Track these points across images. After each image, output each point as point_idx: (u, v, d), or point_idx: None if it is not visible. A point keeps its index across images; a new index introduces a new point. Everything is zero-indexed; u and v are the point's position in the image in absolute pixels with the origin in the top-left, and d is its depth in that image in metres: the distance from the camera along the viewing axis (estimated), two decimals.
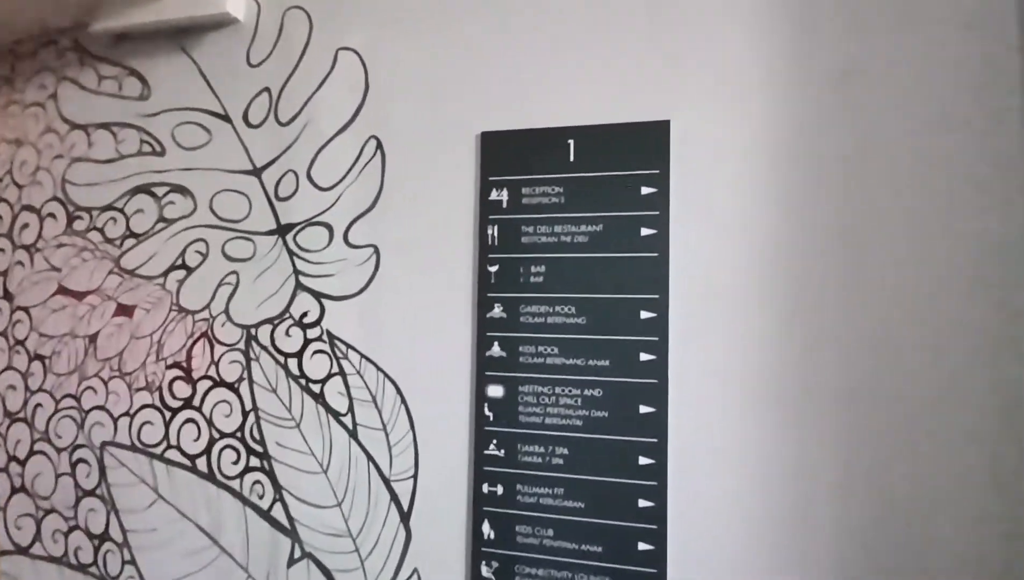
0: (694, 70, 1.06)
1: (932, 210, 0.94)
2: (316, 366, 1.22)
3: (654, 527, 1.02)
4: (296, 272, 1.26)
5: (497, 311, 1.14)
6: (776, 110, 1.02)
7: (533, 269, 1.13)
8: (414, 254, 1.20)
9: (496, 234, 1.15)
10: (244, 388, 1.24)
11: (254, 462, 1.24)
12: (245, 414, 1.23)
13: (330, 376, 1.23)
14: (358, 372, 1.21)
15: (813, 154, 0.99)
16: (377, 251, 1.22)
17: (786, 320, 0.99)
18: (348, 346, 1.22)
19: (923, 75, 0.95)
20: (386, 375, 1.19)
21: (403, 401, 1.18)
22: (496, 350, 1.14)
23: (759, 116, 1.03)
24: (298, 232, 1.23)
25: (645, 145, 1.08)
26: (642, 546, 1.03)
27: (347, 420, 1.21)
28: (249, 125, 1.26)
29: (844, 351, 0.96)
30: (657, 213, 1.07)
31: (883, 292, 0.95)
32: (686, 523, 1.01)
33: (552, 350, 1.11)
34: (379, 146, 1.20)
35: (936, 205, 0.93)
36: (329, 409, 1.22)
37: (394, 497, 1.17)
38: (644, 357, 1.06)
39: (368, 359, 1.21)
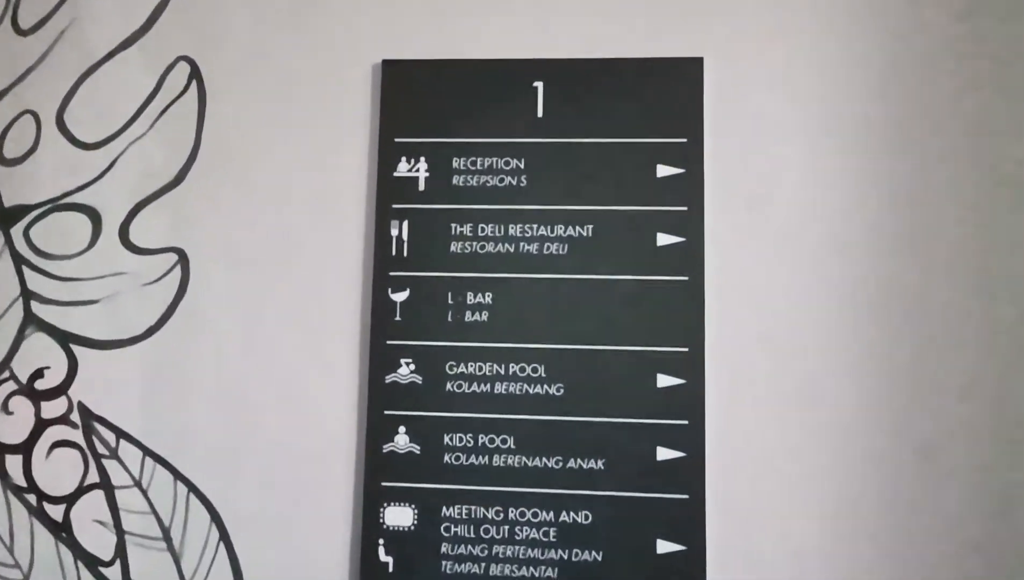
0: None
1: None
2: (57, 472, 0.65)
3: None
4: (26, 294, 0.68)
5: (405, 372, 0.64)
6: (882, 53, 0.63)
7: (471, 298, 0.64)
8: (254, 269, 0.67)
9: (406, 236, 0.65)
10: None
11: None
12: None
13: (83, 491, 0.66)
14: (138, 484, 0.65)
15: (917, 140, 0.61)
16: (183, 259, 0.68)
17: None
18: (121, 435, 0.66)
19: None
20: (194, 491, 0.65)
21: (226, 543, 0.64)
22: (401, 443, 0.63)
23: (847, 64, 0.63)
24: (33, 222, 0.67)
25: (664, 97, 0.65)
26: None
27: (114, 575, 0.65)
28: None
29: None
30: (684, 209, 0.63)
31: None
32: None
33: (503, 442, 0.63)
34: (194, 76, 0.67)
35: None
36: (81, 554, 0.65)
37: None
38: (665, 454, 0.61)
39: (160, 461, 0.66)
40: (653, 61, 0.66)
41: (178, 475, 0.65)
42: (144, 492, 0.66)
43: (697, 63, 0.65)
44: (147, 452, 0.66)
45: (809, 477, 0.61)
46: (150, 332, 0.68)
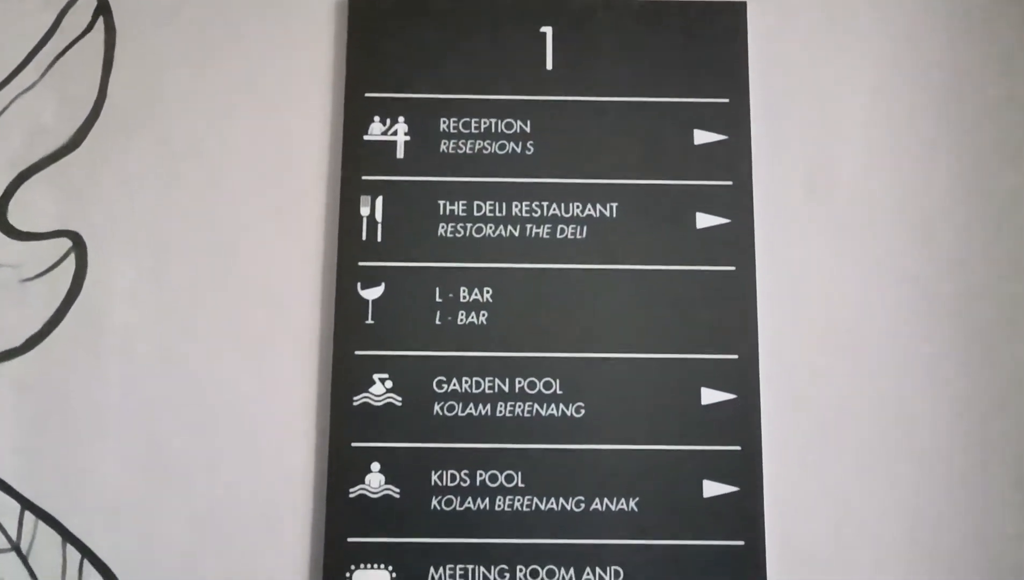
0: None
1: None
2: None
3: None
4: None
5: (379, 391, 0.49)
6: None
7: (465, 295, 0.50)
8: (177, 259, 0.51)
9: (380, 216, 0.51)
10: None
11: None
12: None
13: None
14: (15, 548, 0.48)
15: (993, 91, 0.52)
16: (79, 246, 0.51)
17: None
18: None
19: None
20: (90, 558, 0.48)
21: None
22: (375, 484, 0.48)
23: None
24: None
25: (701, 48, 0.53)
26: None
27: None
28: None
29: None
30: (728, 184, 0.51)
31: None
32: None
33: (507, 480, 0.48)
34: (101, 10, 0.54)
35: None
36: None
37: None
38: (713, 489, 0.48)
39: (44, 517, 0.49)
40: (688, 4, 0.54)
41: (69, 537, 0.48)
42: (24, 558, 0.48)
43: (740, 8, 0.54)
44: (27, 505, 0.49)
45: (893, 518, 0.49)
46: (32, 343, 0.50)
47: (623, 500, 0.49)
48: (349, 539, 0.48)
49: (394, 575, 0.48)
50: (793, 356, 0.51)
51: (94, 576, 0.48)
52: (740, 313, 0.50)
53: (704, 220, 0.51)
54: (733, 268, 0.51)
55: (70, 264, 0.52)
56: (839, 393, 0.51)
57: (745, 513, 0.48)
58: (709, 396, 0.50)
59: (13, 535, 0.49)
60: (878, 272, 0.52)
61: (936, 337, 0.51)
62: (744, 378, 0.50)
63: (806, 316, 0.51)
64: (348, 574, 0.48)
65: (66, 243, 0.52)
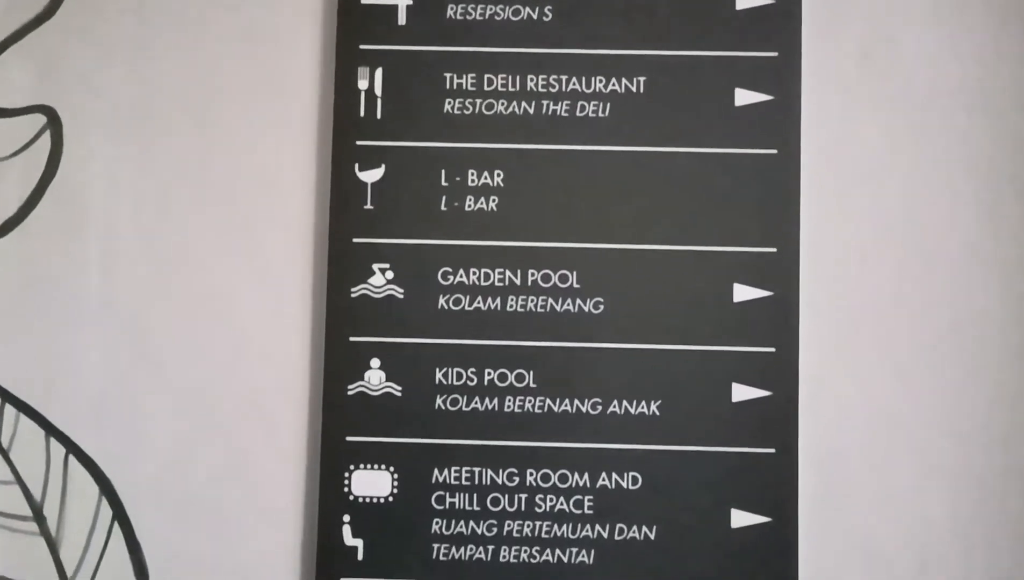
0: None
1: None
2: None
3: None
4: None
5: (379, 282, 0.45)
6: None
7: (474, 179, 0.45)
8: (159, 134, 0.47)
9: (380, 90, 0.46)
10: None
11: None
12: None
13: None
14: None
15: None
16: (54, 122, 0.47)
17: None
18: None
19: None
20: (75, 453, 0.46)
21: (122, 525, 0.46)
22: (375, 381, 0.45)
23: None
24: None
25: None
26: None
27: None
28: None
29: None
30: (773, 55, 0.45)
31: None
32: None
33: (518, 380, 0.45)
34: None
35: None
36: None
37: None
38: (743, 393, 0.44)
39: (25, 410, 0.46)
40: None
41: (52, 430, 0.46)
42: (4, 453, 0.46)
43: None
44: (6, 397, 0.46)
45: (938, 430, 0.45)
46: (8, 227, 0.47)
47: (644, 403, 0.45)
48: (348, 438, 0.45)
49: (395, 476, 0.45)
50: (838, 250, 0.45)
51: (79, 471, 0.45)
52: (781, 202, 0.45)
53: (744, 97, 0.45)
54: (775, 151, 0.45)
55: (45, 142, 0.47)
56: (887, 293, 0.45)
57: (777, 419, 0.44)
58: (742, 293, 0.45)
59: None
60: (938, 157, 0.46)
61: (1003, 232, 0.45)
62: (782, 274, 0.45)
63: (855, 207, 0.46)
64: (347, 475, 0.44)
65: (40, 119, 0.47)
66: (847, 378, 0.45)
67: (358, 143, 0.45)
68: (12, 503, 0.46)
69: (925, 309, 0.45)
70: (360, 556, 0.44)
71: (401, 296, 0.45)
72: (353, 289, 0.45)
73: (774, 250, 0.45)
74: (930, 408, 0.45)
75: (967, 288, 0.45)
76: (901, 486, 0.45)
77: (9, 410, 0.46)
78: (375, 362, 0.45)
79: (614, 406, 0.45)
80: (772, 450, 0.44)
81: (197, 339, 0.46)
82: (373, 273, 0.45)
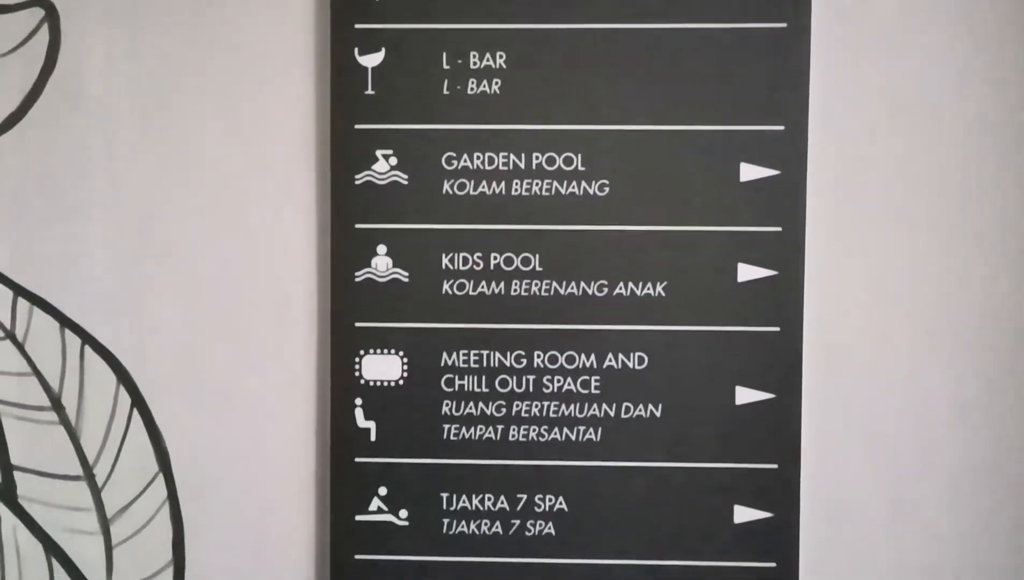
0: None
1: None
2: None
3: None
4: None
5: (383, 169, 0.45)
6: None
7: (475, 60, 0.45)
8: (155, 25, 0.46)
9: None
10: None
11: None
12: None
13: None
14: (10, 335, 0.46)
15: None
16: (52, 16, 0.46)
17: None
18: None
19: None
20: (91, 343, 0.46)
21: (142, 413, 0.47)
22: (381, 267, 0.45)
23: None
24: None
25: None
26: None
27: None
28: None
29: None
30: (783, 25, 0.44)
31: None
32: None
33: (524, 263, 0.45)
34: None
35: None
36: None
37: None
38: (748, 273, 0.44)
39: (38, 302, 0.46)
40: None
41: (66, 322, 0.46)
42: (20, 345, 0.47)
43: None
44: (19, 291, 0.47)
45: (941, 311, 0.45)
46: (10, 123, 0.47)
47: (649, 285, 0.45)
48: (357, 324, 0.45)
49: (405, 361, 0.45)
50: (848, 126, 0.45)
51: (96, 361, 0.46)
52: (790, 76, 0.44)
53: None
54: (784, 25, 0.44)
55: (43, 35, 0.47)
56: (895, 171, 0.45)
57: (783, 298, 0.44)
58: (749, 172, 0.44)
59: (7, 323, 0.47)
60: (948, 32, 0.44)
61: (1013, 101, 0.45)
62: (790, 151, 0.44)
63: (866, 78, 0.45)
64: (357, 359, 0.45)
65: (38, 13, 0.47)
66: (853, 257, 0.45)
67: (357, 26, 0.45)
68: (30, 394, 0.47)
69: (932, 187, 0.45)
70: (373, 437, 0.45)
71: (405, 182, 0.45)
72: (357, 176, 0.45)
73: (782, 128, 0.44)
74: (934, 288, 0.45)
75: (976, 164, 0.45)
76: (904, 364, 0.45)
77: (22, 303, 0.47)
78: (381, 248, 0.45)
79: (620, 288, 0.45)
80: (777, 328, 0.44)
81: (201, 232, 0.46)
82: (376, 159, 0.45)
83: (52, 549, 0.47)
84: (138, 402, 0.46)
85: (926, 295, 0.45)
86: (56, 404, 0.47)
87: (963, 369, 0.45)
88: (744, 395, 0.45)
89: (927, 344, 0.45)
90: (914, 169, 0.45)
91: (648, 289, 0.45)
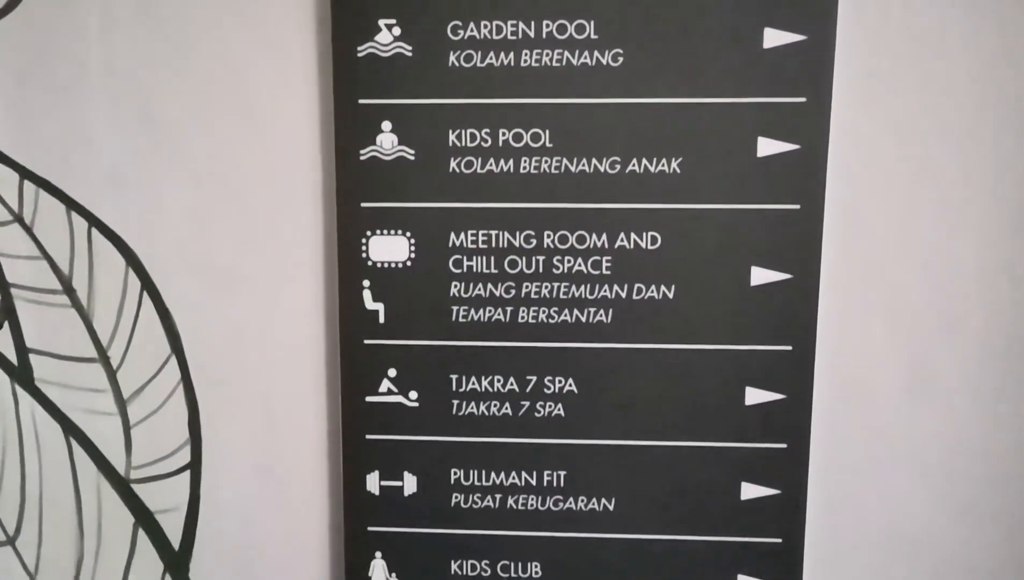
0: None
1: None
2: None
3: None
4: None
5: (386, 39, 0.43)
6: None
7: None
8: None
9: None
10: None
11: None
12: None
13: None
14: (18, 218, 0.46)
15: None
16: None
17: None
18: None
19: None
20: (97, 226, 0.46)
21: (152, 296, 0.47)
22: (386, 145, 0.44)
23: None
24: None
25: None
26: None
27: (3, 342, 0.47)
28: None
29: None
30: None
31: None
32: None
33: (533, 140, 0.43)
34: None
35: None
36: None
37: (149, 528, 0.48)
38: (768, 148, 0.42)
39: (44, 185, 0.46)
40: None
41: (72, 204, 0.46)
42: (28, 228, 0.47)
43: None
44: (25, 174, 0.46)
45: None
46: (9, 6, 0.45)
47: (664, 161, 0.43)
48: (363, 204, 0.44)
49: (412, 241, 0.44)
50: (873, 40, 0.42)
51: (103, 243, 0.46)
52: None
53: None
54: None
55: None
56: (924, 43, 0.42)
57: (804, 173, 0.43)
58: (773, 37, 0.42)
59: (14, 206, 0.46)
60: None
61: None
62: (818, 18, 0.41)
63: None
64: (364, 239, 0.44)
65: None
66: (879, 130, 0.43)
67: None
68: (41, 278, 0.47)
69: (962, 56, 0.42)
70: (382, 319, 0.45)
71: (409, 54, 0.43)
72: (360, 47, 0.43)
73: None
74: (965, 161, 0.43)
75: (1007, 74, 0.41)
76: (928, 240, 0.43)
77: (28, 186, 0.46)
78: (386, 125, 0.43)
79: (633, 164, 0.43)
80: (797, 205, 0.43)
81: (203, 114, 0.45)
82: (379, 30, 0.43)
83: (71, 430, 0.48)
84: (147, 284, 0.46)
85: (956, 169, 0.43)
86: (67, 287, 0.47)
87: (992, 244, 0.43)
88: (760, 276, 0.43)
89: (954, 220, 0.43)
90: (948, 39, 0.42)
91: (663, 165, 0.43)
